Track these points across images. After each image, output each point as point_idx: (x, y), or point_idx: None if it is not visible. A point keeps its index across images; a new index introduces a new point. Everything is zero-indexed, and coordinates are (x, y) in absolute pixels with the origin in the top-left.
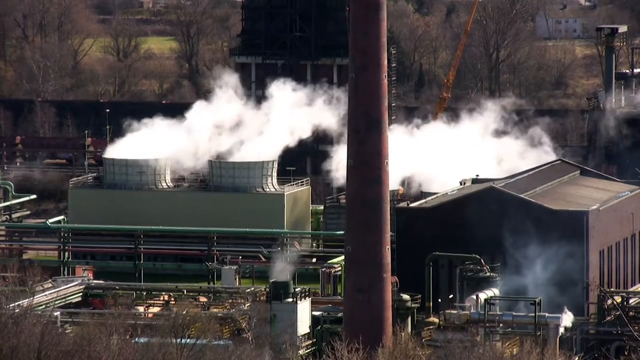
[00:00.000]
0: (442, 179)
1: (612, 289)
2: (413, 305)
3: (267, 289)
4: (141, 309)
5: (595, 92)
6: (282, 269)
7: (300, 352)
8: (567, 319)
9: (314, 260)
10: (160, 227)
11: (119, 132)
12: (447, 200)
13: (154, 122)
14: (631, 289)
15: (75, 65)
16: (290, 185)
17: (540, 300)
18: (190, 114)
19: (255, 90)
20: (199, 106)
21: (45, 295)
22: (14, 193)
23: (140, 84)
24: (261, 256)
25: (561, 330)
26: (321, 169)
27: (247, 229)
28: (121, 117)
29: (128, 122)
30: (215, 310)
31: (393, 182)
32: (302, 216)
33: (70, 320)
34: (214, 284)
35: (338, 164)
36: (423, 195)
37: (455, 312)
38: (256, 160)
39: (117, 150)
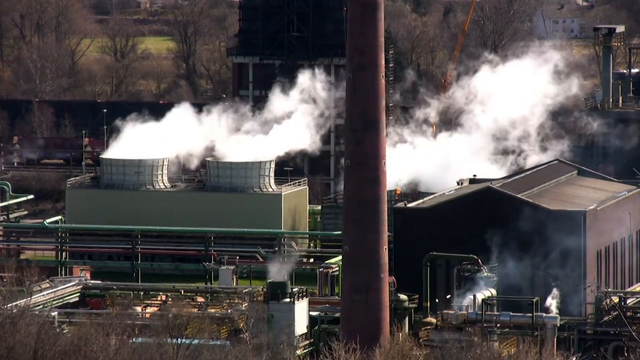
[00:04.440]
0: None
1: (609, 289)
2: (410, 305)
3: (265, 289)
4: (138, 309)
5: (592, 92)
6: (279, 269)
7: (298, 352)
8: (552, 303)
9: (312, 260)
10: (157, 227)
11: (116, 133)
12: (445, 201)
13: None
14: (629, 289)
15: (73, 66)
16: (288, 185)
17: (538, 301)
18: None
19: (252, 90)
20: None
21: (43, 295)
22: (11, 193)
23: (137, 84)
24: (258, 256)
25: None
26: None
27: (245, 229)
28: (119, 117)
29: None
30: (212, 310)
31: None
32: (299, 216)
33: (68, 320)
34: (211, 284)
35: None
36: (420, 195)
37: (453, 312)
38: (254, 160)
39: (115, 150)
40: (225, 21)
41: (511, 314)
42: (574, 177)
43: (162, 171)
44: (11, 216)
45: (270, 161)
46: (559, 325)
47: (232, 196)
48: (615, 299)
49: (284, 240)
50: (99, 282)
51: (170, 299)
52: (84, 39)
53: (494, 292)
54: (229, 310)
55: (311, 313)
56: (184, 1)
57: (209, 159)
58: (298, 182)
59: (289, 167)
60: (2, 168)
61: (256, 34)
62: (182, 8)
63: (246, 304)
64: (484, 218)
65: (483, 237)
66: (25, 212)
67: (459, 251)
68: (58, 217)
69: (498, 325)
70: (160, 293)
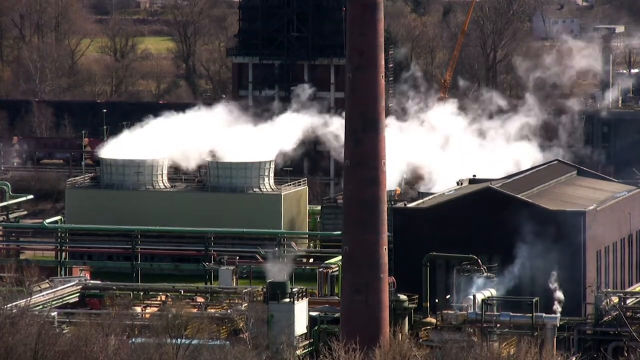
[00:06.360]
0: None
1: (609, 289)
2: (410, 305)
3: (265, 289)
4: (138, 309)
5: (592, 92)
6: (279, 269)
7: (298, 352)
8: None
9: (311, 260)
10: (157, 227)
11: (115, 133)
12: (444, 201)
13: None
14: (629, 289)
15: (72, 66)
16: (288, 185)
17: (538, 301)
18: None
19: (252, 90)
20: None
21: (43, 295)
22: (11, 193)
23: (137, 84)
24: (258, 256)
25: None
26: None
27: (244, 229)
28: (118, 118)
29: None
30: (212, 310)
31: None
32: (299, 216)
33: (67, 320)
34: (211, 284)
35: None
36: (420, 195)
37: (453, 312)
38: (253, 160)
39: (114, 150)
40: (225, 21)
41: (511, 314)
42: (573, 177)
43: (162, 171)
44: (11, 216)
45: (270, 161)
46: (558, 325)
47: (232, 196)
48: (615, 299)
49: (283, 240)
50: (99, 282)
51: (170, 299)
52: (83, 39)
53: (493, 292)
54: (229, 311)
55: (311, 313)
56: (184, 1)
57: (208, 159)
58: (298, 182)
59: (288, 167)
60: (2, 168)
61: (256, 34)
62: (182, 8)
63: (246, 304)
64: (483, 218)
65: (483, 237)
66: (25, 212)
67: (458, 251)
68: (58, 217)
69: (498, 325)
70: (160, 293)
